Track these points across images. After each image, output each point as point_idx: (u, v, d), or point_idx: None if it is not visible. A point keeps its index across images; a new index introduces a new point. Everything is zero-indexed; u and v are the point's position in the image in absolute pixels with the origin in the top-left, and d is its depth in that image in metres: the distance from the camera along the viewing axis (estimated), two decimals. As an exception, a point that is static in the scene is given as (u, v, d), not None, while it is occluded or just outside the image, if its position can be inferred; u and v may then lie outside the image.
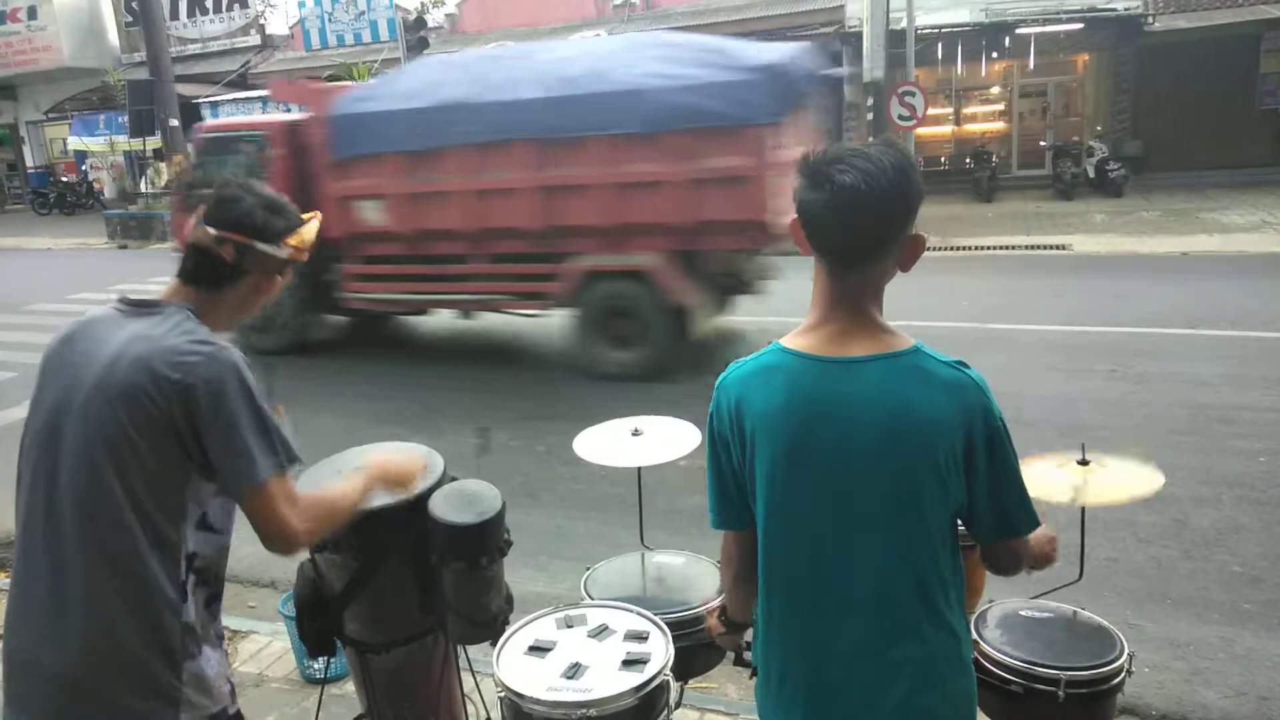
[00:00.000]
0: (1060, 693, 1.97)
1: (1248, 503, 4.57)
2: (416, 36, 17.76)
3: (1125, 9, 15.85)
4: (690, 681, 2.66)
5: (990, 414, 1.40)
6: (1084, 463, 2.15)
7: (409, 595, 2.18)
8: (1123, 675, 2.05)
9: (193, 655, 1.59)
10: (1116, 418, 5.83)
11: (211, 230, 1.65)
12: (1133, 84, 17.52)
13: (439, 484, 2.18)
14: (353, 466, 2.23)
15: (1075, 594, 2.44)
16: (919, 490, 1.39)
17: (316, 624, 2.20)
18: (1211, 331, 7.70)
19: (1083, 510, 2.25)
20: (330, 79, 19.63)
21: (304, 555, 2.25)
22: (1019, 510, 1.45)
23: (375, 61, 19.13)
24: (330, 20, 22.28)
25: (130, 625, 1.54)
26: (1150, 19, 16.28)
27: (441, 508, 2.09)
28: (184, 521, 1.58)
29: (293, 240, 1.71)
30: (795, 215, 1.44)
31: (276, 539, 1.59)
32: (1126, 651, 2.08)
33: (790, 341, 1.47)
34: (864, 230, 1.39)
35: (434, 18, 22.11)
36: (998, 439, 1.40)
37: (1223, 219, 13.43)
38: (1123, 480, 2.14)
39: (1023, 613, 2.24)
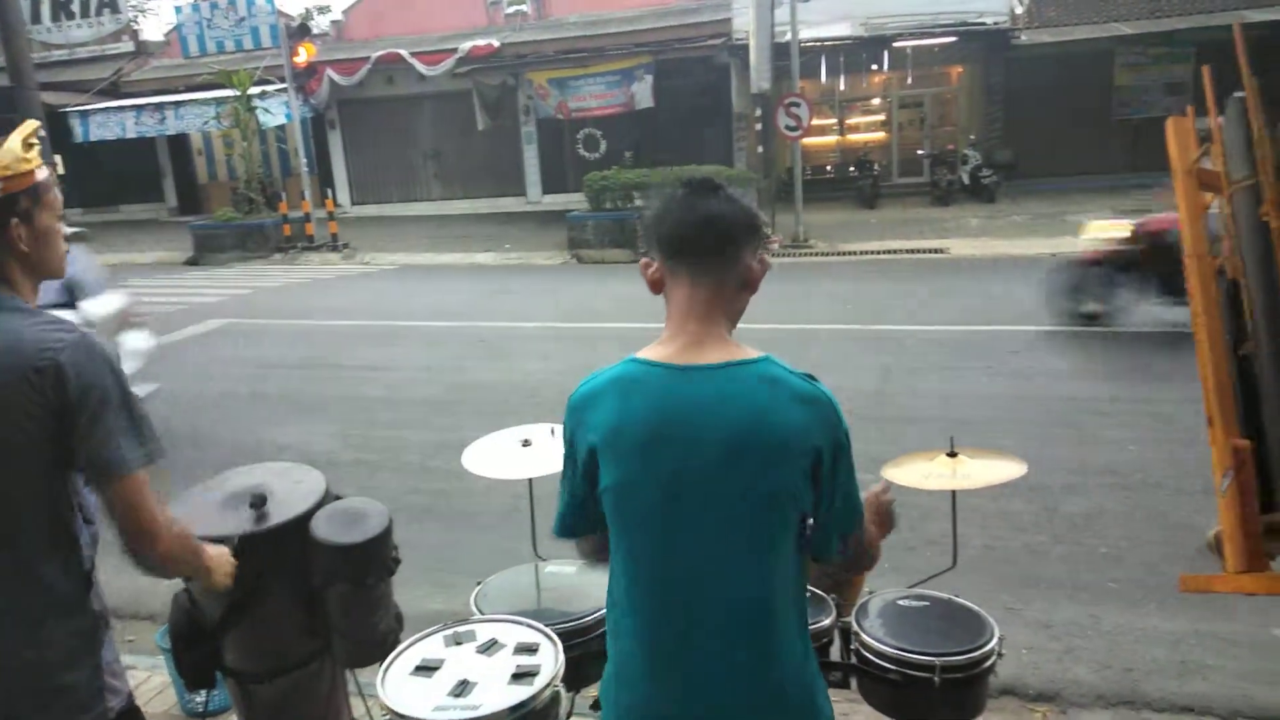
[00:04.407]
0: (936, 678, 2.06)
1: (1115, 489, 4.87)
2: (304, 65, 17.27)
3: (994, 23, 16.71)
4: (590, 690, 2.66)
5: (840, 429, 1.43)
6: (952, 454, 2.27)
7: (291, 620, 2.11)
8: (994, 658, 2.16)
9: (103, 643, 1.62)
10: (994, 411, 6.13)
11: None
12: (1003, 95, 18.46)
13: (321, 503, 2.13)
14: (234, 489, 2.16)
15: (953, 581, 2.55)
16: (772, 497, 1.40)
17: (193, 655, 2.12)
18: (1082, 327, 8.18)
19: (954, 499, 2.35)
20: (208, 86, 18.97)
21: (178, 585, 2.16)
22: (854, 514, 1.50)
23: (257, 69, 18.50)
24: (209, 26, 21.40)
25: (50, 628, 1.54)
26: (1017, 33, 17.20)
27: (324, 528, 2.04)
28: (75, 513, 1.57)
29: None
30: (649, 250, 1.52)
31: (141, 533, 1.56)
32: (997, 635, 2.19)
33: (643, 353, 1.50)
34: (713, 226, 1.46)
35: (319, 24, 21.52)
36: (844, 453, 1.44)
37: (1086, 221, 14.28)
38: (988, 469, 2.26)
39: (900, 602, 2.33)
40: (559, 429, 2.61)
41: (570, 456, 1.53)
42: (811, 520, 1.45)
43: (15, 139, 1.57)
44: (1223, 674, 3.33)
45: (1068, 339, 7.88)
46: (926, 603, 2.34)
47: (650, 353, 1.49)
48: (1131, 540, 4.32)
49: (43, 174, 1.59)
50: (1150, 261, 7.74)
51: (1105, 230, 8.41)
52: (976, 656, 2.12)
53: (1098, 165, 17.58)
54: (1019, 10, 17.49)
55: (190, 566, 1.77)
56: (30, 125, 1.61)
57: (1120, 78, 18.13)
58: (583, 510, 1.53)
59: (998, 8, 16.68)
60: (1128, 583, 3.97)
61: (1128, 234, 8.00)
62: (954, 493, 2.31)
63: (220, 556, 1.88)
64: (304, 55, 17.20)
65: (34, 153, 1.58)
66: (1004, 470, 2.31)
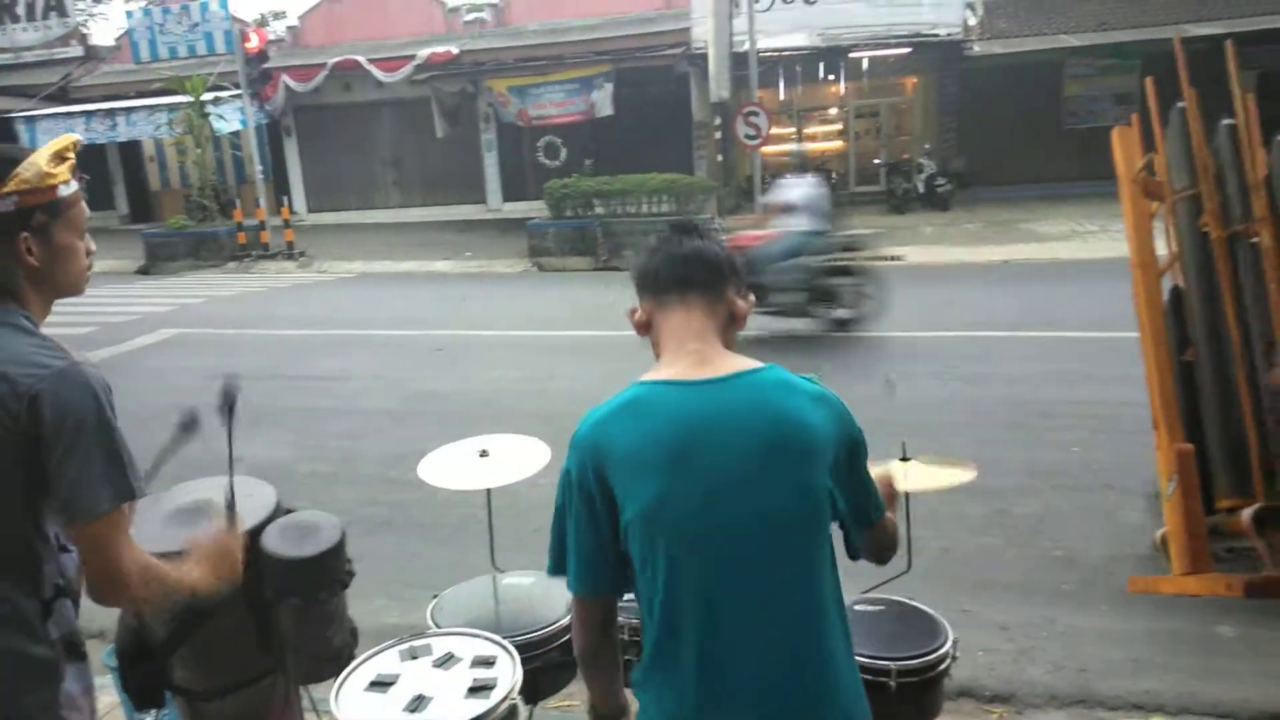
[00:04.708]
0: (892, 682, 2.07)
1: (1064, 490, 4.96)
2: (256, 50, 17.03)
3: (947, 34, 17.00)
4: (550, 702, 2.64)
5: (855, 425, 1.49)
6: (905, 459, 2.29)
7: (243, 636, 2.07)
8: (948, 661, 2.18)
9: (64, 676, 1.54)
10: (946, 415, 6.21)
11: None
12: (956, 105, 18.78)
13: (272, 517, 2.09)
14: (176, 506, 2.11)
15: (910, 584, 2.57)
16: (811, 496, 1.41)
17: (140, 674, 2.07)
18: (1030, 333, 8.35)
19: (907, 502, 2.36)
20: (160, 92, 18.62)
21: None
22: (875, 503, 1.55)
23: (211, 75, 18.20)
24: (161, 31, 20.99)
25: (8, 650, 1.48)
26: (970, 45, 17.52)
27: (275, 542, 2.01)
28: (47, 542, 1.52)
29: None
30: (642, 298, 1.56)
31: (107, 580, 1.49)
32: (951, 638, 2.21)
33: (647, 377, 1.49)
34: (702, 259, 1.53)
35: (275, 30, 21.25)
36: (861, 448, 1.50)
37: (1038, 229, 14.59)
38: (939, 473, 2.29)
39: (857, 607, 2.34)
40: (519, 440, 2.62)
41: (578, 495, 1.44)
42: (838, 521, 1.48)
43: (44, 152, 1.53)
44: (1172, 671, 3.40)
45: (1021, 344, 8.02)
46: (882, 607, 2.36)
47: (656, 375, 1.48)
48: (1085, 541, 4.40)
49: (67, 189, 1.54)
50: None
51: None
52: (932, 660, 2.14)
53: (1048, 173, 17.94)
54: (972, 22, 17.81)
55: (169, 596, 1.66)
56: (67, 139, 1.58)
57: (1069, 88, 18.55)
58: (603, 554, 1.45)
59: (951, 19, 16.98)
60: (1079, 583, 4.04)
61: None
62: (906, 495, 2.33)
63: (216, 557, 1.73)
64: (255, 41, 16.95)
65: (63, 167, 1.54)
66: (954, 475, 2.34)
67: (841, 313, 8.59)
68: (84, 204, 1.61)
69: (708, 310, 1.51)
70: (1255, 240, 1.86)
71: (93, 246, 1.65)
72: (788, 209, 8.51)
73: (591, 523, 1.44)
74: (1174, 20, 16.44)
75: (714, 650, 1.39)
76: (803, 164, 8.84)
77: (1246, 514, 1.69)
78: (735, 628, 1.39)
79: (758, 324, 8.61)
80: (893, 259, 12.97)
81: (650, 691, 1.46)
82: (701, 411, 1.40)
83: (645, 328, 1.56)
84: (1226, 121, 1.96)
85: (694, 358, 1.46)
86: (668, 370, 1.47)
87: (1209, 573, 1.77)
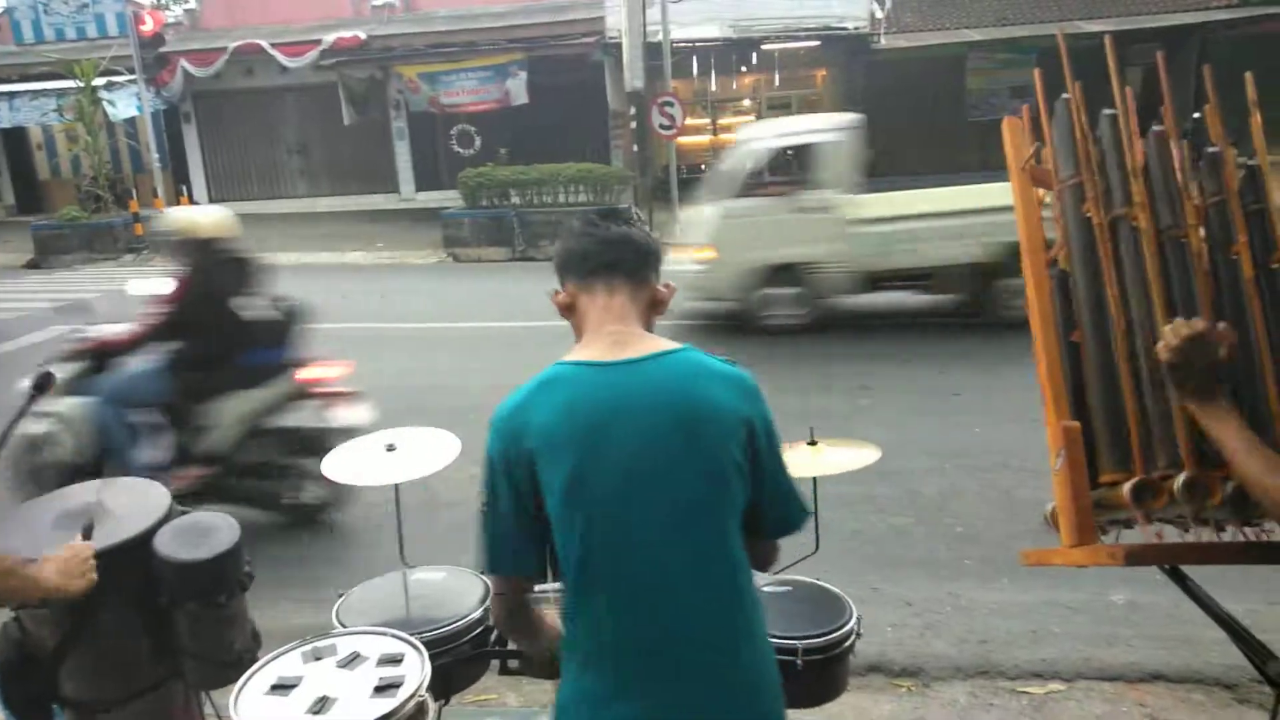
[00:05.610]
0: (798, 660, 2.12)
1: (967, 470, 5.15)
2: (151, 33, 16.28)
3: (854, 28, 17.36)
4: (467, 696, 2.61)
5: (765, 407, 1.51)
6: (813, 444, 2.34)
7: (137, 643, 2.00)
8: (853, 639, 2.24)
9: None
10: (861, 400, 6.38)
11: None
12: (864, 97, 19.16)
13: (166, 519, 2.02)
14: (70, 507, 2.03)
15: (822, 565, 2.61)
16: (722, 473, 1.43)
17: (24, 688, 1.97)
18: (940, 320, 8.62)
19: (814, 485, 2.41)
20: (47, 76, 17.63)
21: (7, 614, 2.01)
22: (798, 505, 1.57)
23: (103, 59, 17.31)
24: (46, 12, 19.86)
25: None
26: (876, 38, 17.92)
27: (169, 545, 1.94)
28: None
29: None
30: (565, 281, 1.57)
31: None
32: (855, 616, 2.27)
33: (566, 358, 1.51)
34: (629, 244, 1.57)
35: (172, 12, 20.33)
36: (773, 432, 1.51)
37: None
38: (846, 456, 2.35)
39: (765, 588, 2.38)
40: (428, 432, 2.57)
41: (501, 477, 1.45)
42: (759, 502, 1.49)
43: None
44: (1068, 640, 3.57)
45: (927, 331, 8.27)
46: (790, 588, 2.41)
47: (574, 356, 1.50)
48: (986, 519, 4.57)
49: None
50: None
51: None
52: (836, 638, 2.19)
53: (952, 164, 18.40)
54: (879, 16, 18.21)
55: (21, 595, 1.65)
56: None
57: (971, 81, 19.15)
58: (520, 535, 1.46)
59: (858, 13, 17.33)
60: (981, 559, 4.20)
61: None
62: (814, 481, 2.38)
63: (68, 562, 1.77)
64: (150, 24, 16.23)
65: None
66: (860, 456, 2.40)
67: None
68: None
69: (632, 294, 1.54)
70: (1135, 224, 1.94)
71: None
72: None
73: (516, 502, 1.44)
74: (1069, 16, 17.12)
75: (631, 629, 1.42)
76: None
77: (1126, 487, 1.77)
78: (652, 606, 1.42)
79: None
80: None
81: (571, 666, 1.48)
82: (619, 391, 1.43)
83: (568, 310, 1.57)
84: (1107, 112, 2.05)
85: (611, 339, 1.49)
86: (585, 352, 1.50)
87: (1094, 544, 1.86)
